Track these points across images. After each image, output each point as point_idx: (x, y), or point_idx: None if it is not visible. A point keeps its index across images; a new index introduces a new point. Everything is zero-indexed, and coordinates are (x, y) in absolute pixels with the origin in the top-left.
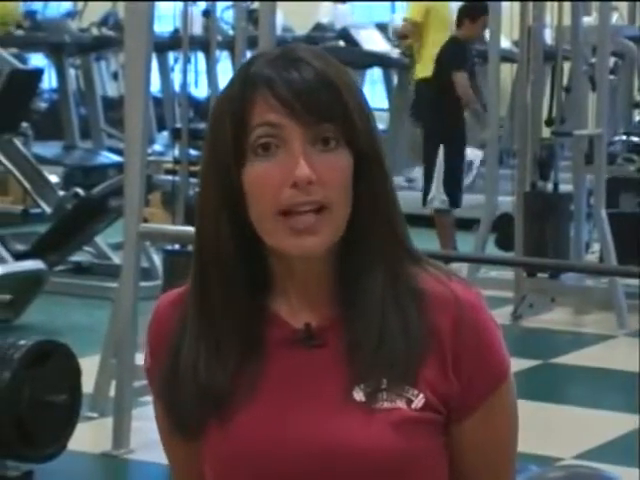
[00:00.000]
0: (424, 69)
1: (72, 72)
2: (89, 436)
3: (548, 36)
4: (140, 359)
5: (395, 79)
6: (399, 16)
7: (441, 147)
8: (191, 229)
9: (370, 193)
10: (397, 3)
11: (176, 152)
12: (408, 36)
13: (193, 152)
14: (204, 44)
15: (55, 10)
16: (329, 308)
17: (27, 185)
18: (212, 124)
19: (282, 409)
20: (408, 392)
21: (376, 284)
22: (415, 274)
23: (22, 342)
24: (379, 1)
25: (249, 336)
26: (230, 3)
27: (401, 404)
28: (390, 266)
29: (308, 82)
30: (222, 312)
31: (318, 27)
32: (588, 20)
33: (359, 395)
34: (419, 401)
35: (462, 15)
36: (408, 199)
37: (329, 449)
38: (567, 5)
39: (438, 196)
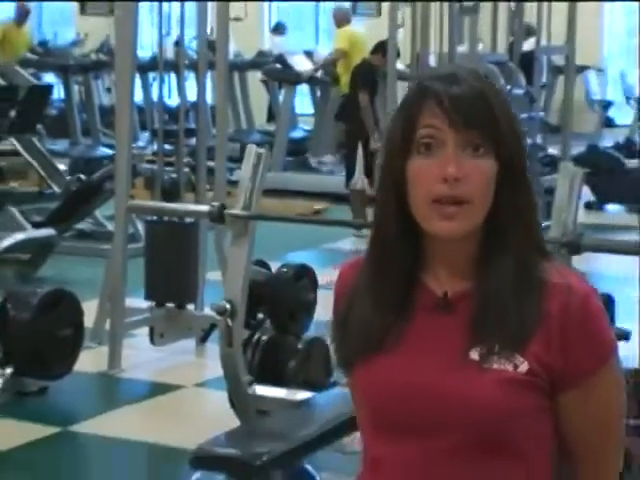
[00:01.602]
0: (344, 86)
1: (76, 87)
2: (90, 360)
3: (432, 60)
4: (129, 302)
5: (318, 93)
6: (322, 46)
7: (359, 143)
8: (166, 204)
9: (511, 196)
10: (320, 36)
11: (154, 147)
12: (339, 60)
13: (167, 147)
14: (175, 66)
15: (63, 39)
16: (466, 282)
17: (42, 172)
18: (390, 124)
19: (415, 360)
20: (516, 358)
21: (506, 267)
22: (542, 267)
23: (39, 290)
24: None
25: (404, 298)
26: (194, 35)
27: (509, 367)
28: (521, 256)
29: (466, 97)
30: (386, 278)
31: (261, 53)
32: (461, 48)
33: (475, 355)
34: (524, 367)
35: (378, 48)
36: (332, 182)
37: (444, 395)
38: (445, 36)
39: (360, 180)
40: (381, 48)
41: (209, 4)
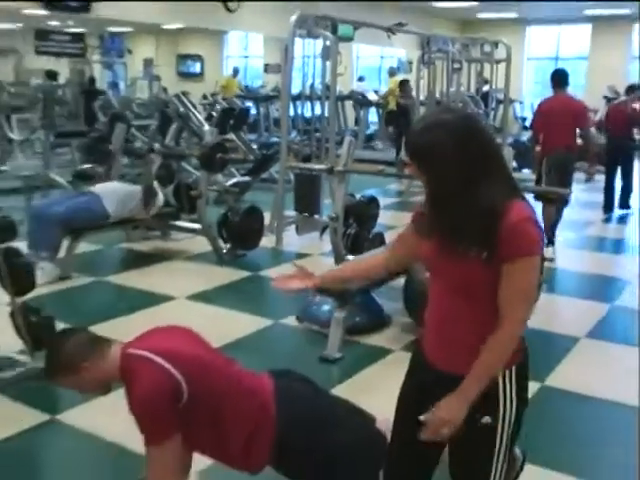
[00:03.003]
0: (391, 107)
1: (261, 109)
2: (267, 241)
3: (437, 94)
4: (286, 212)
5: (380, 111)
6: (383, 87)
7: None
8: (304, 164)
9: (465, 178)
10: (381, 82)
11: (299, 137)
12: (390, 94)
13: (305, 137)
14: (310, 97)
15: (256, 84)
16: None
17: (245, 149)
18: None
19: (434, 245)
20: (481, 252)
21: (475, 206)
22: (503, 204)
23: (242, 206)
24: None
25: None
26: (320, 81)
27: (475, 256)
28: (484, 201)
29: (417, 141)
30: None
31: (352, 92)
32: (452, 89)
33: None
34: (484, 255)
35: (403, 85)
36: (387, 155)
37: (442, 265)
38: (445, 82)
39: (404, 154)
40: (407, 86)
41: (327, 65)
